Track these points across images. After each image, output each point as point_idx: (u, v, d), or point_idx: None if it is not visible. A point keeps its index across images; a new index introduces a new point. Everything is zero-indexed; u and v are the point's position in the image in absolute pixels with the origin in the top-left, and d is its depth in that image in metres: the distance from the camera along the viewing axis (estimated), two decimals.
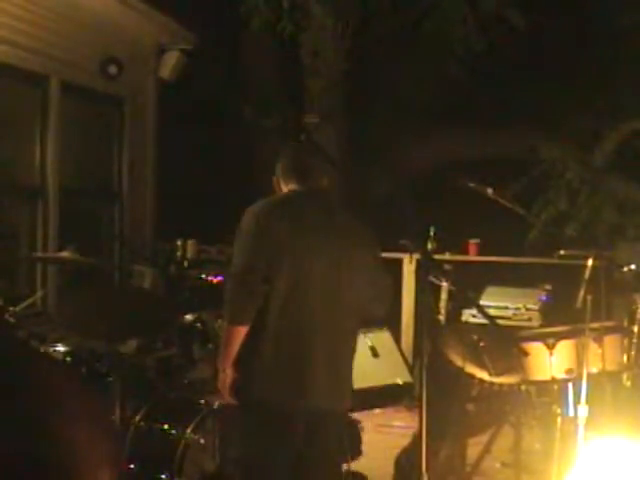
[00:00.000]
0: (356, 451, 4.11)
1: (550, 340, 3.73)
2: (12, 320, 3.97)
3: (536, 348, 3.73)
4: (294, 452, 3.07)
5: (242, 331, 3.02)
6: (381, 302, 3.29)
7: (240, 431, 3.22)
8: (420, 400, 2.63)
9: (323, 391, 3.05)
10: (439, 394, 2.83)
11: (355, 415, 4.12)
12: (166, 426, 3.95)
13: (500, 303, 6.48)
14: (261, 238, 3.01)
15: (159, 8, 7.19)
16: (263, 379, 3.04)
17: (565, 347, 3.74)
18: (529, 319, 6.41)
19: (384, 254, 3.37)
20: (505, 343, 3.78)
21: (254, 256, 3.01)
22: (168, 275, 6.18)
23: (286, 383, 3.02)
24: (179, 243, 6.42)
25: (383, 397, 6.27)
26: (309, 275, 3.04)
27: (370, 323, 6.44)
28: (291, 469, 3.08)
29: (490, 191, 4.18)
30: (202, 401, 4.02)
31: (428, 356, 2.71)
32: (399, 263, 7.01)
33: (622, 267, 4.37)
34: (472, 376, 3.87)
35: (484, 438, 4.27)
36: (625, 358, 3.92)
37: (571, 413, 3.64)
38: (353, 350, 3.20)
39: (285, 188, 3.24)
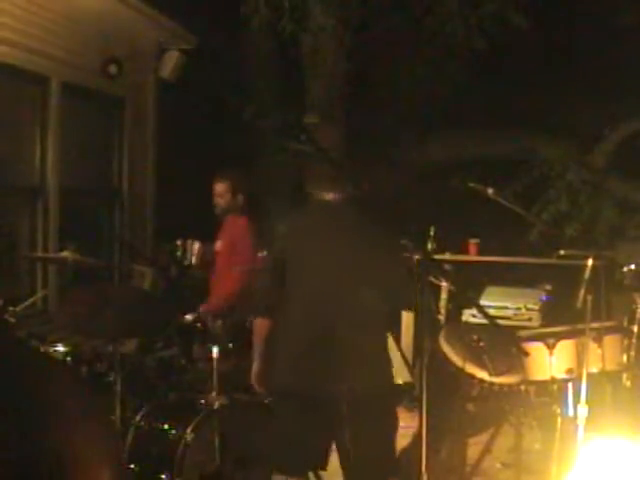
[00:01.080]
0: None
1: (550, 340, 3.73)
2: (12, 320, 3.97)
3: (536, 348, 3.72)
4: (332, 436, 3.26)
5: (264, 323, 3.48)
6: (398, 296, 3.45)
7: (274, 419, 3.48)
8: (420, 400, 2.63)
9: (351, 375, 3.23)
10: (439, 394, 2.83)
11: None
12: (166, 426, 3.96)
13: (500, 303, 6.46)
14: (279, 244, 3.45)
15: (159, 8, 7.19)
16: (288, 369, 3.31)
17: (565, 347, 3.74)
18: (529, 319, 6.39)
19: None
20: (505, 343, 3.77)
21: (271, 260, 3.49)
22: (168, 275, 6.17)
23: (309, 371, 3.25)
24: (179, 243, 6.41)
25: None
26: (323, 276, 3.30)
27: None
28: (343, 453, 3.27)
29: (490, 191, 4.17)
30: (202, 401, 4.02)
31: (428, 356, 2.71)
32: None
33: (622, 267, 4.36)
34: (472, 376, 3.87)
35: (484, 438, 4.27)
36: (625, 358, 3.90)
37: (571, 413, 3.63)
38: (379, 336, 3.43)
39: (320, 197, 3.49)
